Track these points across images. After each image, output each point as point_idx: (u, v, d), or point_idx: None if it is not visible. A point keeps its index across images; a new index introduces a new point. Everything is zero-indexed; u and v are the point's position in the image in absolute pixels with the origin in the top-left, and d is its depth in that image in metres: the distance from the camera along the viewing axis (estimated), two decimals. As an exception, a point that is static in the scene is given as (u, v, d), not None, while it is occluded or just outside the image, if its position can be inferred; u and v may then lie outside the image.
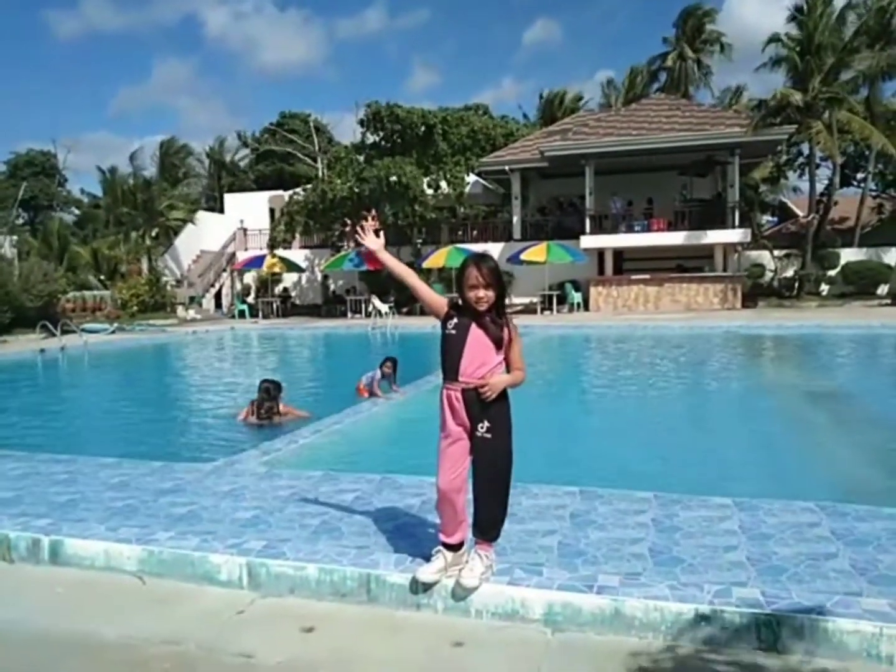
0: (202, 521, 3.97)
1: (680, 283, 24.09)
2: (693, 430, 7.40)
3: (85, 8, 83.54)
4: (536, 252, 23.43)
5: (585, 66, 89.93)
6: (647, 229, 24.96)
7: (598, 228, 25.25)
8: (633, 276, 24.70)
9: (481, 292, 3.06)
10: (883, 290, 24.15)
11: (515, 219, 28.13)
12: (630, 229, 25.10)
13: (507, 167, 27.40)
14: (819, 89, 23.60)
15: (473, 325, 3.10)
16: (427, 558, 3.25)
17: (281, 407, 7.81)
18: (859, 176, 33.07)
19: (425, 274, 25.94)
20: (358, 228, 3.58)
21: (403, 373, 8.85)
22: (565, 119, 33.60)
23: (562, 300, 24.39)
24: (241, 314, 26.94)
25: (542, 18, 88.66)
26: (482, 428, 3.10)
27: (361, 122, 28.81)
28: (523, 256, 23.70)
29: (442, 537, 3.21)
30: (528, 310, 24.68)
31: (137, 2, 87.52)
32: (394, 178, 25.15)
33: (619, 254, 25.95)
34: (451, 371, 3.12)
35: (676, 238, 24.32)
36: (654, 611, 2.88)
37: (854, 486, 5.25)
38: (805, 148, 29.41)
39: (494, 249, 26.83)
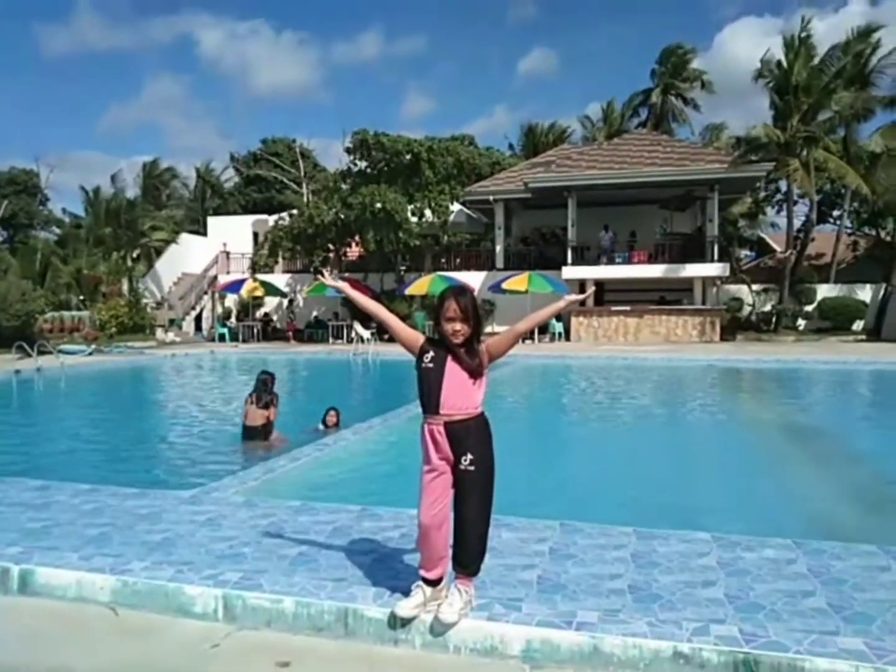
0: (178, 550, 3.91)
1: (660, 315, 24.36)
2: (672, 464, 7.44)
3: (77, 24, 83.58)
4: (518, 282, 23.60)
5: (579, 98, 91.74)
6: (629, 261, 25.28)
7: (580, 259, 25.54)
8: (614, 308, 24.95)
9: (458, 325, 3.09)
10: (858, 325, 24.60)
11: (498, 248, 28.36)
12: (611, 261, 25.40)
13: (491, 197, 27.70)
14: (797, 128, 24.22)
15: (449, 358, 3.12)
16: (406, 592, 3.23)
17: (273, 434, 7.96)
18: (835, 213, 33.82)
19: (407, 301, 26.09)
20: (319, 277, 3.62)
21: (386, 400, 8.83)
22: (549, 151, 34.11)
23: (543, 330, 24.53)
24: (221, 338, 26.76)
25: (538, 47, 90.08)
26: (465, 461, 3.11)
27: (348, 150, 29.04)
28: (505, 285, 23.86)
29: (422, 572, 3.19)
30: (510, 339, 24.72)
31: (132, 20, 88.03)
32: (378, 206, 25.31)
33: (600, 285, 26.21)
34: (430, 405, 3.13)
35: (657, 271, 24.67)
36: (632, 648, 2.88)
37: (830, 522, 5.30)
38: (783, 185, 30.04)
39: (477, 278, 27.04)
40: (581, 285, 25.57)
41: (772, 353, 18.15)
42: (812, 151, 24.74)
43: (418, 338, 3.25)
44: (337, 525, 4.36)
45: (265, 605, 3.31)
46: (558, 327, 24.40)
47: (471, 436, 3.13)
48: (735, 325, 25.16)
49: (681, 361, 17.29)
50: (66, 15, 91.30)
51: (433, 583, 3.17)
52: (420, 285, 24.05)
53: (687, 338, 23.77)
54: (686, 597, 3.30)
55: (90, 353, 19.60)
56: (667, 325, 24.14)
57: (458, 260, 29.51)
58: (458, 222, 29.22)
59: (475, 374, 3.14)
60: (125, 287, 29.46)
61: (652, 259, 25.14)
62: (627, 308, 24.67)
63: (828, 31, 61.41)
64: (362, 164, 28.85)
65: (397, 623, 3.13)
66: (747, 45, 59.69)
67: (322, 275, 3.57)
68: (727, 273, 25.13)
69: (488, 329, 25.66)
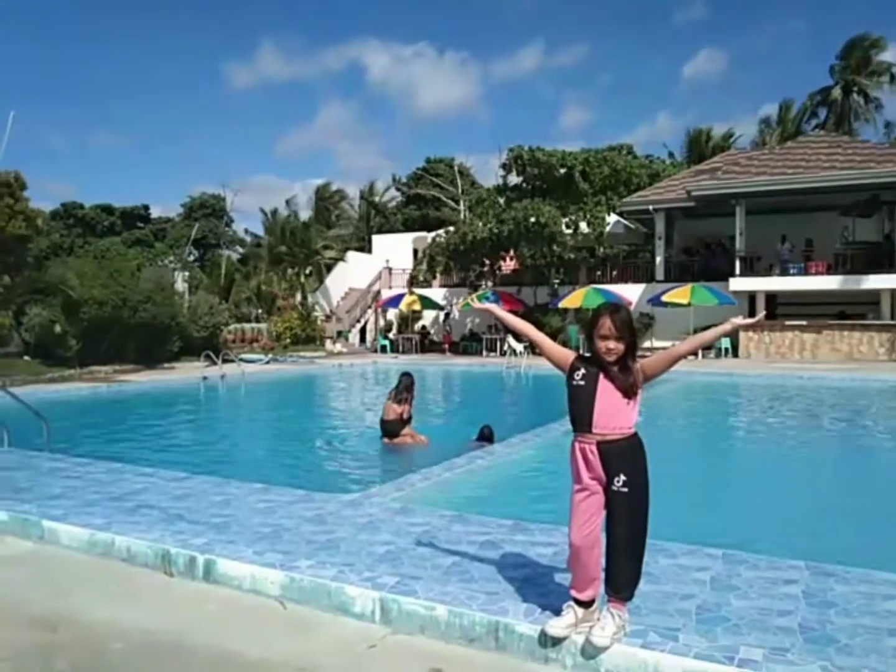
0: (340, 551, 4.15)
1: (841, 330, 22.26)
2: (850, 497, 6.77)
3: (259, 58, 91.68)
4: (680, 294, 22.61)
5: (749, 101, 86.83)
6: (804, 272, 23.40)
7: (749, 270, 24.01)
8: (788, 322, 23.15)
9: (612, 343, 3.04)
10: None
11: (658, 259, 27.35)
12: (785, 272, 23.65)
13: (650, 206, 26.78)
14: None
15: (602, 376, 3.07)
16: (556, 611, 3.20)
17: (406, 430, 8.68)
18: None
19: (561, 314, 25.83)
20: (472, 300, 3.79)
21: (538, 415, 8.81)
22: (714, 157, 32.48)
23: (708, 346, 23.25)
24: (383, 349, 28.01)
25: (706, 49, 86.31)
26: (618, 482, 3.04)
27: (503, 166, 29.41)
28: (665, 298, 22.95)
29: (573, 592, 3.15)
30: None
31: (308, 51, 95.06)
32: (532, 220, 25.36)
33: (772, 297, 24.45)
34: (582, 423, 3.10)
35: (836, 282, 22.61)
36: (802, 694, 2.66)
37: None
38: None
39: (635, 290, 26.23)
40: (750, 298, 24.05)
41: (979, 375, 16.00)
42: None
43: (568, 355, 3.23)
44: (489, 538, 4.41)
45: (420, 611, 3.43)
46: (726, 343, 23.05)
47: (624, 456, 3.06)
48: (932, 343, 22.42)
49: (865, 381, 15.69)
50: (251, 52, 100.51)
51: (585, 604, 3.12)
52: (574, 298, 23.76)
53: (873, 356, 21.53)
54: (867, 641, 3.00)
55: (267, 362, 21.27)
56: (849, 342, 22.00)
57: (614, 272, 28.80)
58: (614, 233, 28.55)
59: (629, 393, 3.07)
60: (298, 301, 31.71)
61: (831, 270, 23.07)
62: (804, 323, 22.78)
63: None
64: (517, 180, 29.09)
65: (548, 642, 3.11)
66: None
67: (472, 298, 3.73)
68: (921, 284, 22.48)
69: (647, 343, 24.81)
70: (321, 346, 28.25)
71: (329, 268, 35.10)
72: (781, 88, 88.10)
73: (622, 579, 3.08)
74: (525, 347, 22.63)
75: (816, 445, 9.45)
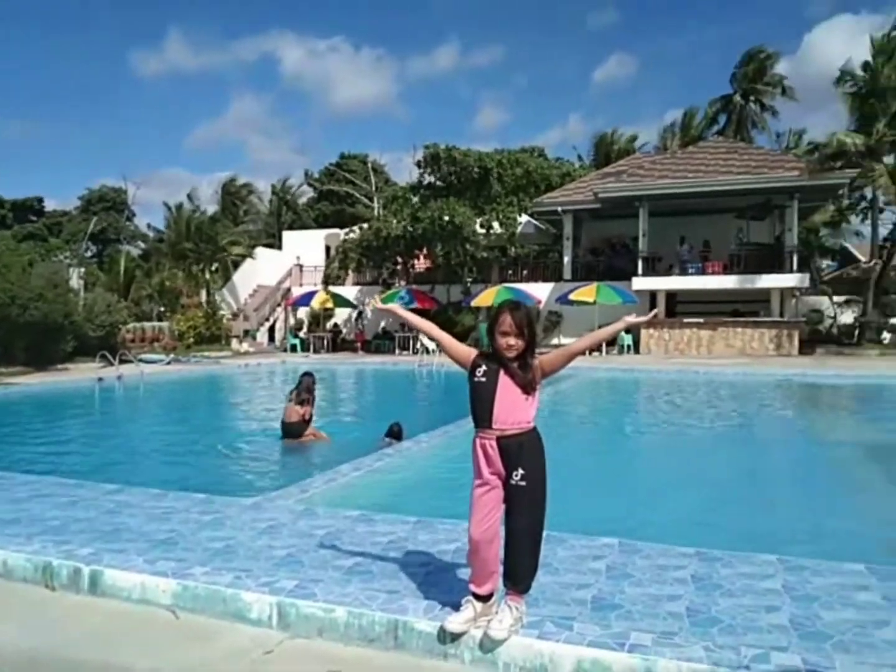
0: (238, 556, 4.02)
1: (734, 327, 23.58)
2: (741, 484, 7.16)
3: (168, 47, 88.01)
4: (586, 292, 23.32)
5: (658, 106, 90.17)
6: (702, 272, 24.61)
7: (651, 270, 25.03)
8: (686, 320, 24.29)
9: (512, 340, 3.08)
10: (951, 339, 23.14)
11: (566, 259, 28.11)
12: (684, 272, 24.79)
13: (559, 208, 27.51)
14: (883, 132, 23.09)
15: (502, 373, 3.11)
16: (457, 607, 3.22)
17: (309, 430, 8.64)
18: (926, 221, 31.90)
19: (473, 312, 26.12)
20: (375, 301, 3.81)
21: (449, 412, 8.85)
22: (620, 161, 33.66)
23: (612, 342, 24.09)
24: (293, 348, 27.48)
25: (617, 54, 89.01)
26: (517, 476, 3.08)
27: (418, 164, 29.43)
28: (573, 296, 23.62)
29: (472, 587, 3.18)
30: (578, 351, 24.48)
31: (219, 41, 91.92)
32: (446, 219, 25.52)
33: (672, 296, 25.60)
34: (483, 419, 3.13)
35: (732, 281, 23.92)
36: (687, 674, 2.77)
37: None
38: (868, 192, 28.67)
39: (544, 289, 26.86)
40: (652, 297, 25.06)
41: (853, 368, 17.28)
42: (900, 156, 23.56)
43: (470, 353, 3.26)
44: (393, 537, 4.39)
45: (318, 613, 3.36)
46: (627, 339, 23.94)
47: (523, 451, 3.10)
48: (815, 339, 24.11)
49: (756, 376, 16.66)
50: (159, 40, 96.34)
51: (483, 598, 3.15)
52: (486, 297, 24.07)
53: (763, 351, 22.90)
54: (747, 621, 3.17)
55: (168, 363, 20.45)
56: (742, 338, 23.33)
57: (525, 271, 29.40)
58: (526, 234, 29.13)
59: (528, 389, 3.12)
60: (203, 299, 30.64)
61: (727, 270, 24.39)
62: (701, 320, 23.97)
63: None
64: (432, 178, 29.19)
65: (447, 637, 3.12)
66: (838, 45, 56.93)
67: (376, 299, 3.73)
68: (806, 284, 24.15)
69: (555, 341, 25.45)
70: (227, 346, 27.44)
71: (236, 264, 34.11)
72: (687, 94, 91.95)
73: (520, 572, 3.12)
74: (437, 345, 22.77)
75: (710, 436, 9.94)
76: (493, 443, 3.10)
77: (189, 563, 3.90)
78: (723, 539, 4.80)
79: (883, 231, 29.16)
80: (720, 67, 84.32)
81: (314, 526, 4.61)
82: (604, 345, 23.49)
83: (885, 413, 12.98)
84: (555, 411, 12.32)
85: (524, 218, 28.72)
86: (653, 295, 25.10)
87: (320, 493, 5.62)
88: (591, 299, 23.01)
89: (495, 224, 26.90)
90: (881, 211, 28.50)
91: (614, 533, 4.44)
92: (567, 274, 27.81)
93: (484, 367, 3.15)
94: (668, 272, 25.02)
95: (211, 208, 43.55)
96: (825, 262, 36.29)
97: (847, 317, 24.91)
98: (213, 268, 32.94)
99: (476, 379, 3.17)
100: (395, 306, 3.71)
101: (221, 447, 8.81)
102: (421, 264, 30.86)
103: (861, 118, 24.23)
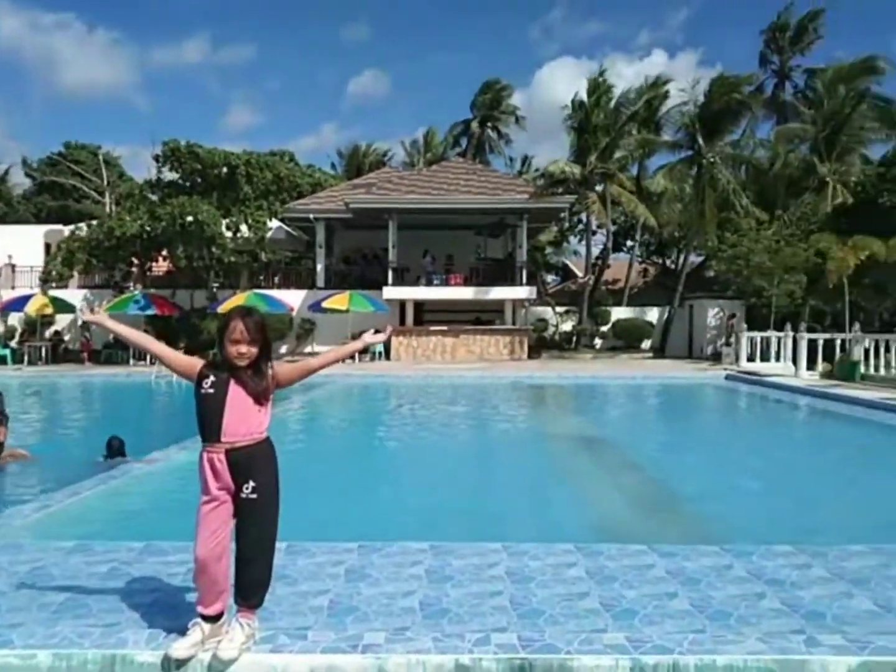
0: (-90, 608, 3.36)
1: (474, 334, 25.40)
2: (473, 478, 7.70)
3: None
4: (339, 300, 23.49)
5: (409, 123, 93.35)
6: (446, 283, 26.16)
7: (401, 280, 25.98)
8: (432, 328, 25.61)
9: (244, 347, 2.98)
10: (646, 344, 27.24)
11: (319, 267, 28.08)
12: (430, 283, 26.13)
13: (311, 215, 27.42)
14: (595, 164, 26.48)
15: (233, 382, 2.99)
16: (185, 633, 3.01)
17: (5, 452, 7.58)
18: (629, 244, 37.34)
19: (220, 319, 24.90)
20: (81, 311, 3.37)
21: (187, 426, 8.29)
22: (371, 173, 34.50)
23: (364, 349, 24.51)
24: (3, 360, 23.83)
25: (371, 69, 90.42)
26: (247, 489, 2.98)
27: (157, 159, 27.33)
28: (325, 304, 23.65)
29: (199, 609, 2.99)
30: (330, 359, 24.59)
31: None
32: (189, 218, 24.01)
33: (419, 305, 26.81)
34: (211, 432, 2.98)
35: (470, 292, 25.77)
36: (416, 665, 2.89)
37: (612, 524, 5.74)
38: (584, 216, 32.70)
39: (297, 296, 26.55)
40: (402, 306, 26.04)
41: (572, 370, 19.54)
42: (608, 186, 27.20)
43: (195, 364, 3.07)
44: (115, 565, 3.99)
45: (13, 662, 2.92)
46: (379, 347, 24.53)
47: (254, 462, 3.00)
48: (541, 344, 26.81)
49: (492, 379, 18.08)
50: None
51: (212, 619, 2.99)
52: (234, 303, 22.99)
53: (499, 356, 24.95)
54: (473, 608, 3.39)
55: None
56: (480, 345, 25.21)
57: (276, 278, 28.79)
58: (277, 239, 28.55)
59: (261, 398, 3.04)
60: None
61: (467, 281, 26.21)
62: (445, 328, 25.43)
63: (635, 76, 68.18)
64: (173, 176, 27.29)
65: (171, 666, 2.90)
66: (564, 82, 64.60)
67: (82, 309, 3.29)
68: (534, 296, 26.77)
69: (308, 349, 25.27)
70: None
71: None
72: (436, 114, 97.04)
73: (252, 587, 3.02)
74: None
75: (453, 436, 10.55)
76: (222, 456, 2.96)
77: None
78: (457, 531, 5.12)
79: (595, 251, 33.46)
80: (465, 91, 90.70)
81: (16, 562, 4.02)
82: (336, 363, 23.77)
83: (596, 407, 14.87)
84: (305, 419, 12.21)
85: (275, 223, 28.11)
86: (402, 304, 26.10)
87: (31, 523, 4.94)
88: (344, 307, 23.21)
89: (243, 227, 25.93)
90: (594, 233, 32.64)
91: (362, 537, 4.49)
92: (320, 282, 27.80)
93: (212, 378, 3.00)
94: (416, 283, 26.19)
95: None
96: (550, 277, 40.76)
97: (567, 325, 28.06)
98: None
99: (203, 391, 3.00)
100: (101, 318, 3.20)
101: None
102: (160, 267, 28.69)
103: (578, 150, 27.57)
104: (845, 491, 7.01)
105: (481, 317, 26.64)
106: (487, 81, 44.41)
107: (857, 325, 16.91)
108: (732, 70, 31.13)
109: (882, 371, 15.67)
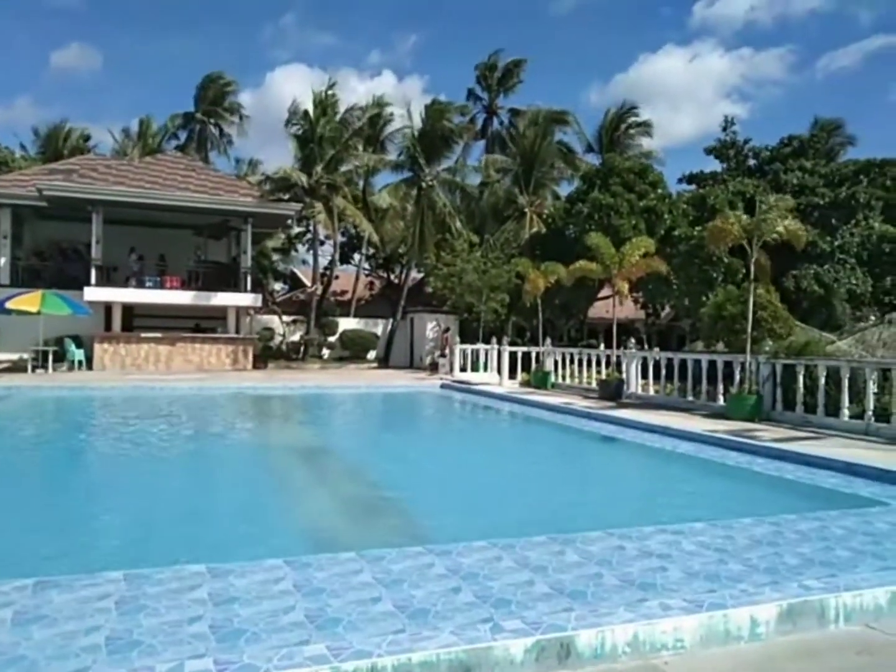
0: None
1: (193, 343, 23.91)
2: (182, 496, 7.21)
3: None
4: (28, 300, 20.51)
5: (123, 107, 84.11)
6: (161, 286, 24.28)
7: (107, 280, 23.50)
8: (144, 335, 23.56)
9: None
10: (372, 354, 28.07)
11: (3, 261, 24.31)
12: (141, 284, 24.04)
13: (-7, 201, 23.62)
14: (321, 175, 26.68)
15: None
16: None
17: None
18: (357, 256, 38.21)
19: None
20: None
21: None
22: (72, 158, 30.80)
23: (60, 357, 21.71)
24: None
25: (80, 42, 79.30)
26: None
27: None
28: (10, 304, 20.47)
29: None
30: (18, 367, 21.35)
31: None
32: None
33: (129, 309, 24.52)
34: None
35: (189, 297, 24.24)
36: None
37: (323, 535, 5.75)
38: (312, 225, 32.77)
39: (-27, 294, 22.62)
40: (107, 308, 23.59)
41: (298, 380, 19.37)
42: (334, 198, 27.58)
43: None
44: None
45: None
46: (79, 355, 21.88)
47: None
48: (267, 354, 26.19)
49: (211, 390, 17.18)
50: None
51: None
52: None
53: (220, 366, 23.81)
54: (170, 637, 3.14)
55: None
56: (200, 354, 23.81)
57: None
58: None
59: None
60: None
61: (185, 285, 24.62)
62: (159, 335, 23.55)
63: (367, 94, 69.98)
64: None
65: None
66: (297, 88, 63.82)
67: None
68: (260, 304, 26.11)
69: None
70: None
71: None
72: (154, 101, 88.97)
73: None
74: None
75: (164, 451, 9.76)
76: None
77: None
78: (155, 556, 4.73)
79: (323, 261, 33.67)
80: (189, 82, 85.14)
81: None
82: (51, 360, 20.99)
83: (320, 417, 14.91)
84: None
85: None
86: (108, 307, 23.64)
87: None
88: (35, 308, 20.30)
89: None
90: (322, 243, 32.88)
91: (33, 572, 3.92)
92: (5, 278, 24.10)
93: None
94: (125, 283, 23.90)
95: None
96: (278, 285, 40.05)
97: (295, 335, 27.79)
98: None
99: None
100: None
101: None
102: None
103: (304, 159, 27.56)
104: (535, 484, 7.89)
105: (201, 324, 25.20)
106: (210, 75, 42.26)
107: (548, 340, 19.27)
108: (455, 100, 33.51)
109: (568, 380, 18.04)
